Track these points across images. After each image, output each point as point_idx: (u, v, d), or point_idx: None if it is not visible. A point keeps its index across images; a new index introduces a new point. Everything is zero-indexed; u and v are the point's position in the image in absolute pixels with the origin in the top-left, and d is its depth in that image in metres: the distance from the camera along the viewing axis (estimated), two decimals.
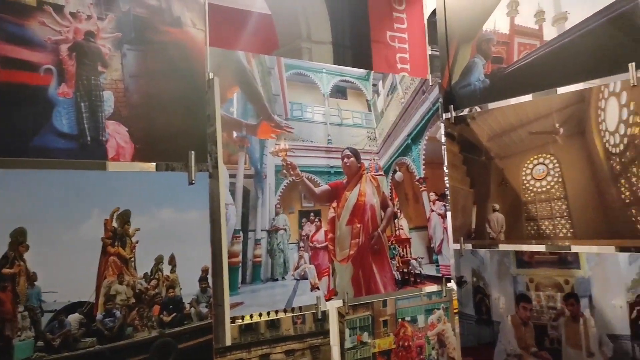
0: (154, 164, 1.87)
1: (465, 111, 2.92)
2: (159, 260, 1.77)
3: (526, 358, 2.61)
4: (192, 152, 1.92)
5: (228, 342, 1.94)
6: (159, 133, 1.88)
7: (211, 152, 2.01)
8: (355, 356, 2.41)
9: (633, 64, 2.26)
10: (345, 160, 2.53)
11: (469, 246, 2.89)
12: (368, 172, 2.60)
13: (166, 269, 1.80)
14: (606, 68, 2.37)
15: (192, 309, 1.82)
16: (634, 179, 2.29)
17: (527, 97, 2.67)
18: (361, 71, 2.64)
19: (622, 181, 2.33)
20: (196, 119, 1.97)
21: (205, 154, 1.98)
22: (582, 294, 2.44)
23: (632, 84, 2.26)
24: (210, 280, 1.92)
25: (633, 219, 2.29)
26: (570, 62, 2.49)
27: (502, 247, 2.74)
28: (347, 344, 2.38)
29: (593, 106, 2.42)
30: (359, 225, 2.51)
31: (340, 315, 2.39)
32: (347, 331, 2.39)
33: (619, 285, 2.32)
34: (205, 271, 1.90)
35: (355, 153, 2.57)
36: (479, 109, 2.89)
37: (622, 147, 2.33)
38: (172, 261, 1.80)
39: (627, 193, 2.31)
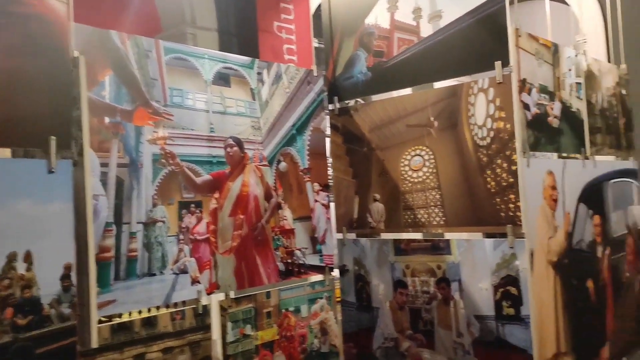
0: (10, 149, 1.69)
1: (349, 103, 2.98)
2: (11, 258, 1.60)
3: (402, 340, 2.73)
4: (53, 137, 1.76)
5: (94, 344, 1.82)
6: (16, 115, 1.70)
7: (77, 138, 1.86)
8: (238, 349, 2.38)
9: (499, 62, 2.42)
10: (228, 149, 2.47)
11: (351, 235, 2.96)
12: (252, 162, 2.56)
13: (21, 267, 1.63)
14: (476, 65, 2.52)
15: (53, 310, 1.67)
16: (498, 170, 2.46)
17: (406, 91, 2.78)
18: (245, 59, 2.59)
19: (488, 172, 2.49)
20: (59, 101, 1.81)
21: (69, 139, 1.83)
22: (452, 278, 2.60)
23: (498, 81, 2.43)
24: (74, 278, 1.78)
25: (497, 207, 2.47)
26: (443, 59, 2.62)
27: (383, 235, 2.83)
28: (229, 338, 2.34)
29: (464, 101, 2.57)
30: (242, 217, 2.47)
31: (222, 308, 2.33)
32: (229, 325, 2.35)
33: (484, 269, 2.49)
34: (68, 268, 1.76)
35: (239, 142, 2.52)
36: (361, 101, 2.95)
37: (488, 140, 2.49)
38: (27, 258, 1.63)
39: (493, 183, 2.49)
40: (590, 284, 2.86)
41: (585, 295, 2.82)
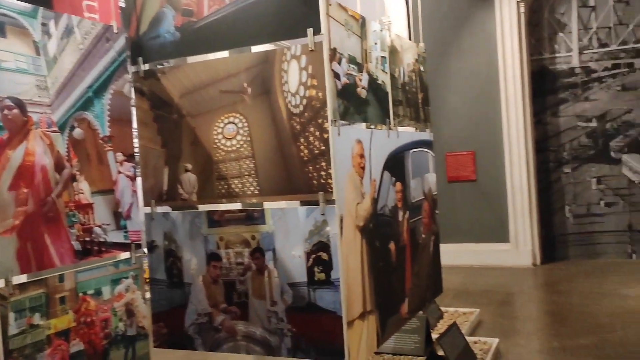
0: None
1: (156, 65, 2.74)
2: None
3: (216, 315, 2.64)
4: None
5: None
6: None
7: None
8: (25, 342, 2.06)
9: (311, 29, 2.40)
10: (6, 112, 2.10)
11: (161, 209, 2.76)
12: (38, 128, 2.21)
13: None
14: (288, 31, 2.48)
15: None
16: (311, 138, 2.47)
17: (219, 54, 2.64)
18: (25, 5, 2.20)
19: (302, 140, 2.49)
20: None
21: None
22: (266, 248, 2.56)
23: (310, 49, 2.41)
24: None
25: (310, 175, 2.48)
26: (256, 23, 2.53)
27: (200, 207, 2.69)
28: (12, 330, 2.01)
29: (277, 68, 2.51)
30: (26, 190, 2.13)
31: (2, 297, 2.00)
32: (11, 315, 2.02)
33: (298, 237, 2.50)
34: None
35: (20, 104, 2.15)
36: (169, 64, 2.74)
37: (301, 108, 2.48)
38: None
39: (306, 151, 2.49)
40: (392, 246, 3.06)
41: (388, 256, 3.00)
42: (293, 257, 2.52)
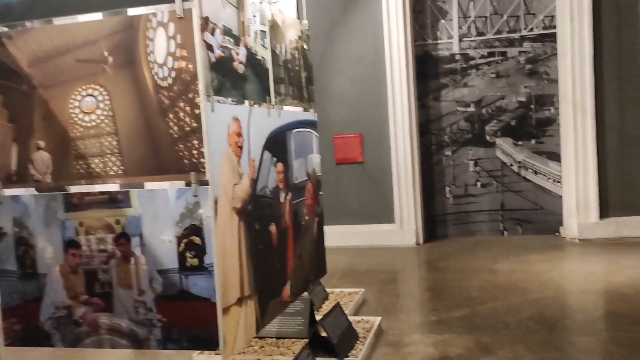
0: None
1: (1, 28, 2.41)
2: None
3: (76, 307, 2.41)
4: None
5: None
6: None
7: None
8: None
9: None
10: None
11: (10, 191, 2.45)
12: None
13: None
14: None
15: None
16: (181, 114, 2.29)
17: (75, 18, 2.36)
18: None
19: (171, 116, 2.30)
20: None
21: None
22: (133, 233, 2.37)
23: (178, 16, 2.23)
24: None
25: (180, 154, 2.31)
26: None
27: (55, 189, 2.41)
28: None
29: (142, 35, 2.30)
30: None
31: None
32: None
33: (168, 221, 2.33)
34: None
35: None
36: (18, 27, 2.42)
37: (170, 80, 2.29)
38: None
39: (175, 128, 2.31)
40: (273, 228, 2.96)
41: (268, 238, 2.91)
42: (163, 242, 2.35)
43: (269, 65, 3.02)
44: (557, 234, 6.32)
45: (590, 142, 5.84)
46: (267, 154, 2.94)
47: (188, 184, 2.31)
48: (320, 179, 3.77)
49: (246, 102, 2.72)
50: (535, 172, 6.44)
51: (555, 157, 6.33)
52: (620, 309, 3.87)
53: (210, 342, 2.33)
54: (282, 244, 3.09)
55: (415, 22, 6.58)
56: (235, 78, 2.62)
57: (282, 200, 3.11)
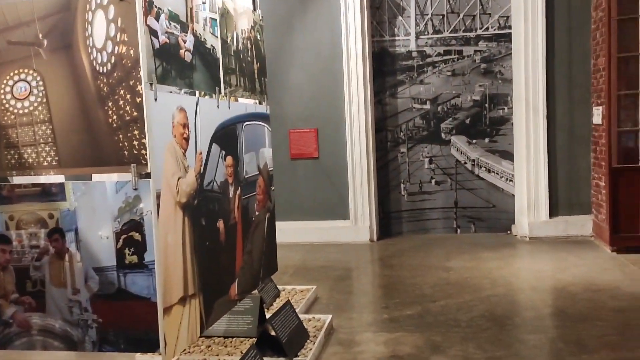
0: None
1: None
2: None
3: (5, 307, 2.25)
4: None
5: None
6: None
7: None
8: None
9: None
10: None
11: None
12: None
13: None
14: None
15: None
16: (121, 102, 2.16)
17: None
18: None
19: (110, 104, 2.17)
20: None
21: None
22: (67, 228, 2.22)
23: None
24: None
25: (120, 144, 2.18)
26: None
27: None
28: None
29: (80, 18, 2.15)
30: None
31: None
32: None
33: (105, 215, 2.20)
34: None
35: None
36: None
37: (109, 66, 2.16)
38: None
39: (115, 117, 2.18)
40: (220, 224, 2.86)
41: (215, 235, 2.80)
42: (99, 238, 2.21)
43: (219, 54, 2.91)
44: (509, 232, 6.42)
45: (541, 142, 5.95)
46: (215, 147, 2.83)
47: (128, 177, 2.18)
48: (272, 174, 3.68)
49: (194, 92, 2.60)
50: (489, 171, 6.53)
51: (508, 156, 6.43)
52: (568, 307, 3.94)
53: (150, 344, 2.22)
54: (230, 240, 2.99)
55: (372, 18, 6.56)
56: (182, 66, 2.50)
57: (231, 195, 3.00)
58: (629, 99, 5.17)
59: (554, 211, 6.01)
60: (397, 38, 6.64)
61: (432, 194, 6.71)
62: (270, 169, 3.62)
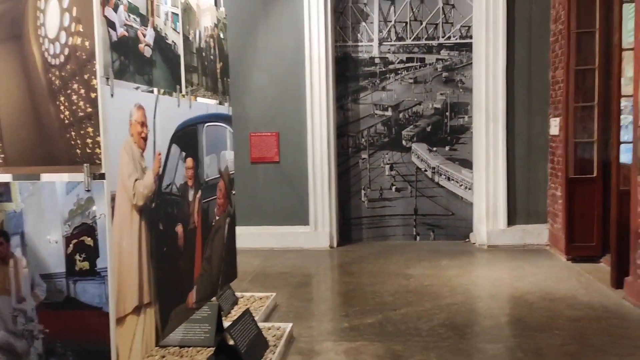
0: None
1: None
2: None
3: None
4: None
5: None
6: None
7: None
8: None
9: None
10: None
11: None
12: None
13: None
14: None
15: None
16: (74, 97, 2.02)
17: None
18: None
19: (62, 98, 2.02)
20: None
21: None
22: (13, 231, 2.06)
23: None
24: None
25: (72, 142, 2.03)
26: None
27: None
28: None
29: (32, 6, 2.00)
30: None
31: None
32: None
33: (54, 218, 2.04)
34: None
35: None
36: None
37: (62, 58, 2.01)
38: None
39: (67, 113, 2.03)
40: (179, 228, 2.73)
41: (174, 240, 2.67)
42: (48, 242, 2.06)
43: (181, 51, 2.78)
44: (467, 240, 6.48)
45: (500, 151, 6.03)
46: (175, 148, 2.70)
47: (80, 177, 2.03)
48: (233, 177, 3.56)
49: (153, 89, 2.48)
50: (449, 179, 6.57)
51: (467, 164, 6.49)
52: (526, 316, 3.96)
53: (101, 356, 2.07)
54: (189, 246, 2.86)
55: (336, 23, 6.52)
56: (141, 62, 2.37)
57: (190, 198, 2.88)
58: (586, 111, 5.30)
59: (511, 220, 6.10)
60: (360, 44, 6.62)
61: (393, 200, 6.70)
62: (231, 172, 3.50)
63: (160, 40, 2.55)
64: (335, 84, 6.44)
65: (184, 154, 2.79)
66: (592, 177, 5.25)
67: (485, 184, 6.10)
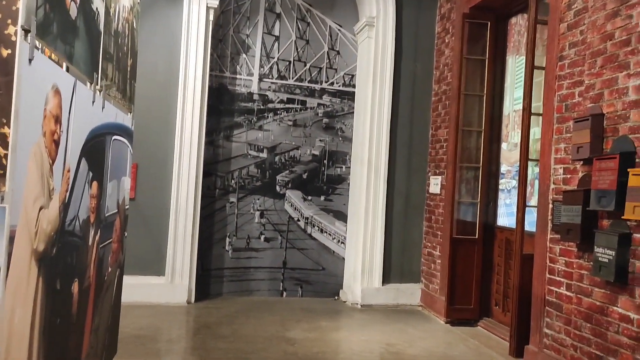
0: None
1: None
2: None
3: None
4: None
5: None
6: None
7: None
8: None
9: None
10: None
11: None
12: None
13: None
14: None
15: None
16: None
17: None
18: None
19: None
20: None
21: None
22: None
23: None
24: None
25: None
26: None
27: None
28: None
29: None
30: None
31: None
32: None
33: None
34: None
35: None
36: None
37: None
38: None
39: None
40: (75, 287, 1.80)
41: (68, 306, 1.74)
42: None
43: (102, 26, 1.93)
44: (337, 297, 6.06)
45: (380, 205, 5.80)
46: (84, 165, 1.80)
47: None
48: (128, 214, 2.65)
49: (72, 67, 1.61)
50: (322, 230, 6.15)
51: (342, 216, 6.15)
52: None
53: None
54: (82, 313, 1.91)
55: (214, 50, 5.84)
56: (66, 23, 1.51)
57: (90, 241, 1.95)
58: (470, 171, 5.34)
59: (386, 278, 5.84)
60: (238, 76, 6.01)
61: (260, 251, 6.04)
62: (127, 207, 2.59)
63: (85, 4, 1.70)
64: (207, 116, 5.69)
65: (91, 174, 1.89)
66: (474, 239, 5.24)
67: (363, 239, 5.78)
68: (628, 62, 3.12)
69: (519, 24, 5.14)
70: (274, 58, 6.11)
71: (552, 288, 3.73)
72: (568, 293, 3.55)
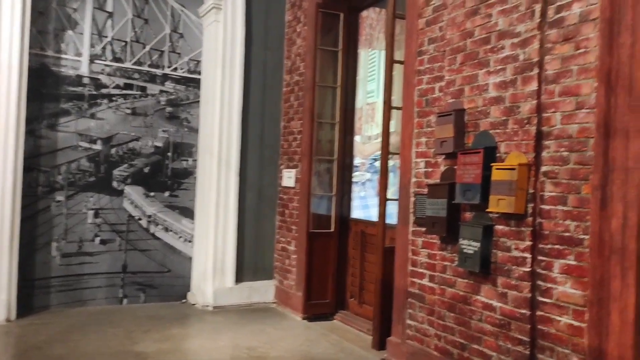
0: None
1: None
2: None
3: None
4: None
5: None
6: None
7: None
8: None
9: None
10: None
11: None
12: None
13: None
14: None
15: None
16: None
17: None
18: None
19: None
20: None
21: None
22: None
23: None
24: None
25: None
26: None
27: None
28: None
29: None
30: None
31: None
32: None
33: None
34: None
35: None
36: None
37: None
38: None
39: None
40: None
41: None
42: None
43: None
44: (185, 300, 5.62)
45: (232, 200, 5.48)
46: None
47: None
48: None
49: None
50: (167, 229, 5.65)
51: (188, 213, 5.72)
52: None
53: None
54: None
55: (33, 25, 4.97)
56: None
57: None
58: (325, 164, 5.27)
59: (239, 277, 5.56)
60: (64, 56, 5.22)
61: (95, 255, 5.36)
62: None
63: None
64: (26, 101, 4.84)
65: None
66: (330, 232, 5.20)
67: (214, 237, 5.42)
68: (488, 60, 3.23)
69: (370, 17, 5.19)
70: (107, 37, 5.42)
71: (414, 280, 3.80)
72: (431, 284, 3.63)
